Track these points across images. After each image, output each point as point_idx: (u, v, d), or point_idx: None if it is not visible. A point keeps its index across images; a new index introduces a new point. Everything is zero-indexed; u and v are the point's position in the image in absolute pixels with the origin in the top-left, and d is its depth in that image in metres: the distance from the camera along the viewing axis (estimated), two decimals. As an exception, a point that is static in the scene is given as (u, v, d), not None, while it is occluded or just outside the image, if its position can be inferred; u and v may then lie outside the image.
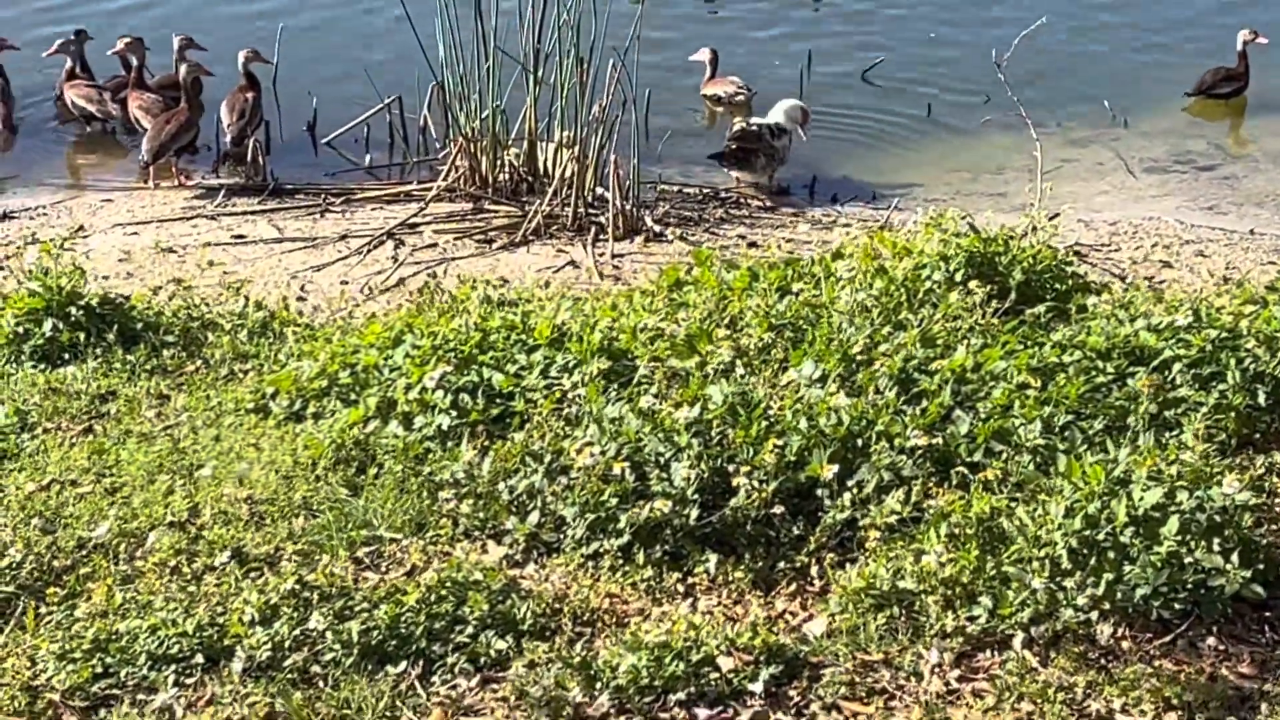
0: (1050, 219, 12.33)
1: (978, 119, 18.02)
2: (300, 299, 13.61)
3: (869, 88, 18.88)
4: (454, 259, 14.52)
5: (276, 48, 18.29)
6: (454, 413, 9.45)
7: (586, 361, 9.61)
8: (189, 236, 14.90)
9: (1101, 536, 7.94)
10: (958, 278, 10.59)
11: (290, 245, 14.77)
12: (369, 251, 14.61)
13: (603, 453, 8.58)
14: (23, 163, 16.90)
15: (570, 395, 9.33)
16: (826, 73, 18.99)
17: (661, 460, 8.66)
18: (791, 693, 7.74)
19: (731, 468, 8.65)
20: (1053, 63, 19.06)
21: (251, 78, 17.16)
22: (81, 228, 15.02)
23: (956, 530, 8.17)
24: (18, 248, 12.82)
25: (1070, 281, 11.10)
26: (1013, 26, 17.75)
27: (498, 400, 9.57)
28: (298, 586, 7.95)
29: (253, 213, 15.52)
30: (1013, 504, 8.27)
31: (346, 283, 14.01)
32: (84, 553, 8.47)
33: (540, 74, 15.47)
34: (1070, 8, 20.66)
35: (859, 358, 9.48)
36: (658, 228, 15.14)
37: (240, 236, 14.96)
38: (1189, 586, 7.93)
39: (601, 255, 14.57)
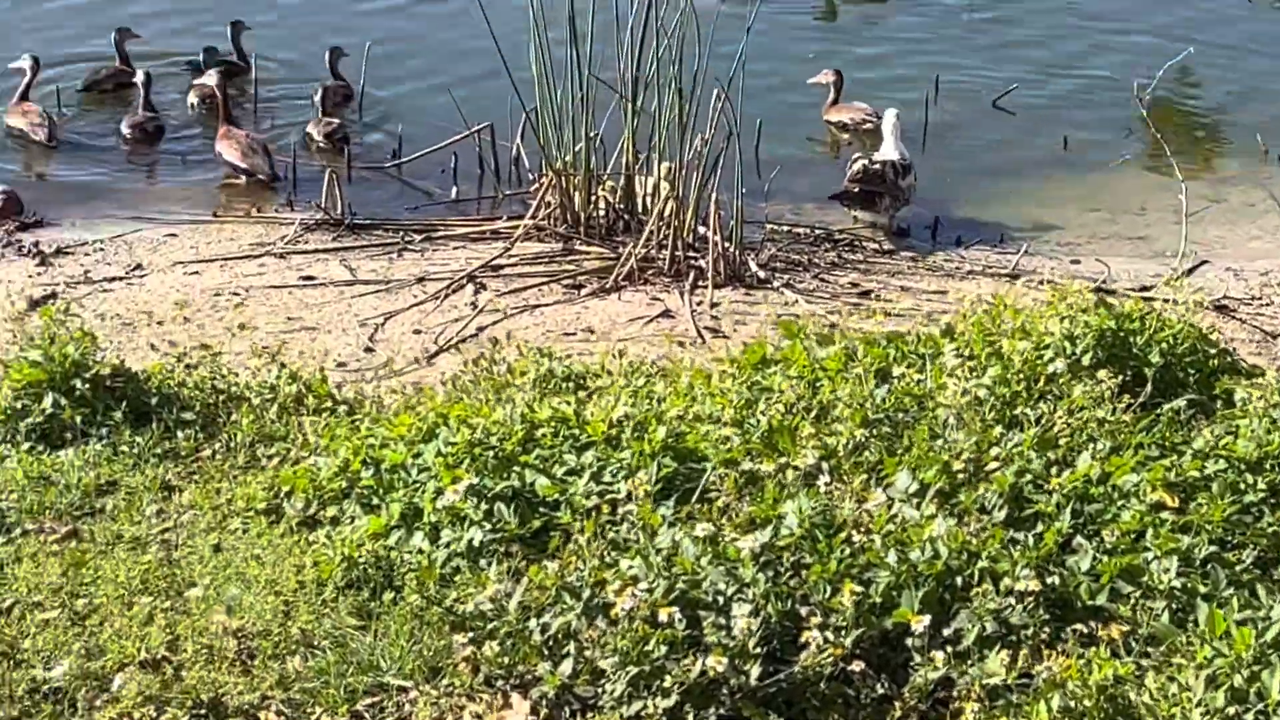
0: (1194, 269, 10.90)
1: (1118, 154, 16.55)
2: (368, 350, 12.40)
3: (1000, 118, 17.42)
4: (538, 306, 13.26)
5: (363, 68, 17.13)
6: (487, 526, 8.12)
7: (644, 466, 8.26)
8: (254, 277, 13.71)
9: (1251, 718, 6.51)
10: (1084, 362, 9.17)
11: (362, 288, 13.55)
12: (446, 296, 13.37)
13: (649, 591, 7.22)
14: (89, 189, 15.79)
15: (622, 511, 7.97)
16: (954, 97, 17.56)
17: (720, 600, 7.28)
18: None
19: (804, 610, 7.27)
20: (1200, 95, 17.59)
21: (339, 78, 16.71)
22: (139, 265, 13.89)
23: (1072, 703, 6.75)
24: (21, 310, 11.63)
25: (1215, 361, 9.65)
26: (1157, 56, 16.36)
27: (540, 510, 8.25)
28: (278, 752, 6.66)
29: (325, 251, 14.29)
30: (1141, 670, 6.85)
31: (420, 331, 12.80)
32: (34, 699, 7.20)
33: (639, 103, 14.14)
34: (1217, 37, 19.12)
35: (963, 470, 8.06)
36: (762, 273, 13.80)
37: (309, 278, 13.76)
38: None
39: (699, 304, 13.25)
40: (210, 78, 16.50)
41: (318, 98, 16.81)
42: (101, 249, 14.31)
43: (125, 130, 16.61)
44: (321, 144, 16.50)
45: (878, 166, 14.83)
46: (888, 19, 19.90)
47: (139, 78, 16.74)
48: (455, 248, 14.43)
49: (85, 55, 18.07)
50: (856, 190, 14.82)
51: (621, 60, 14.13)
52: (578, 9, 14.16)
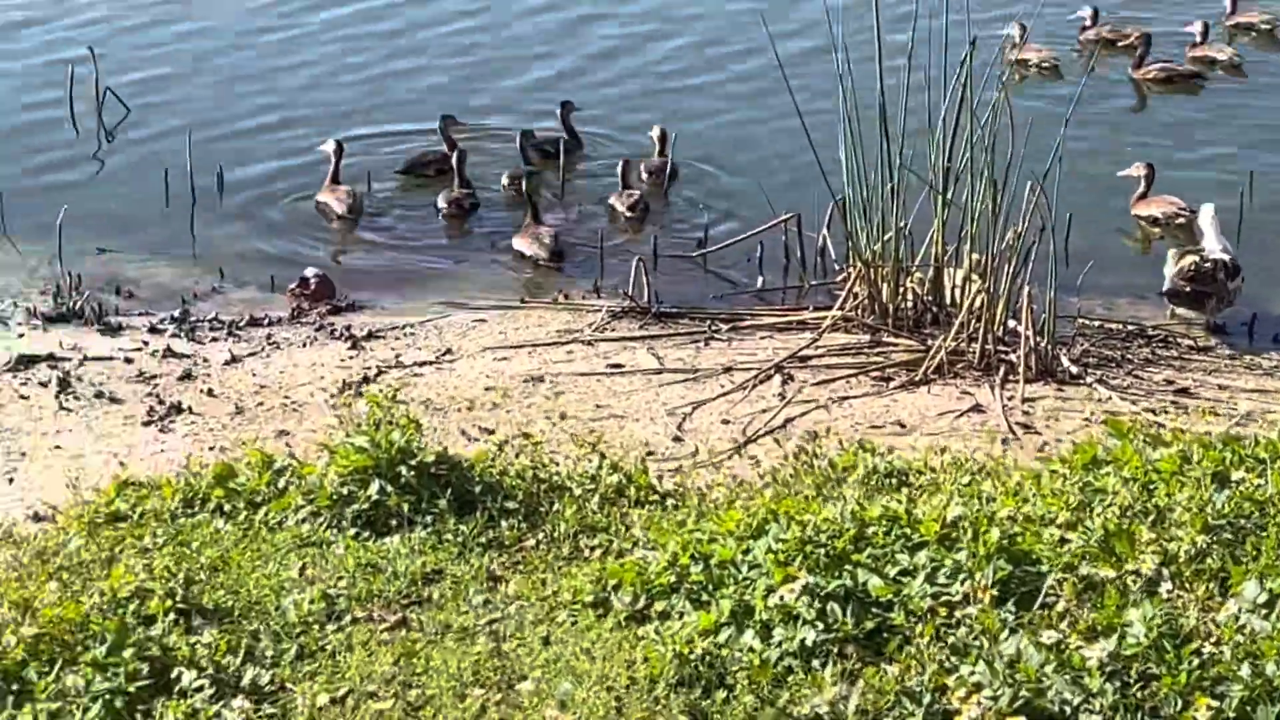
0: None
1: None
2: (676, 439, 12.34)
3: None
4: (847, 398, 13.10)
5: (669, 148, 17.22)
6: (820, 625, 7.99)
7: (980, 568, 8.08)
8: (562, 364, 13.74)
9: None
10: None
11: (670, 377, 13.50)
12: (754, 387, 13.28)
13: (994, 699, 7.04)
14: (399, 273, 15.98)
15: (959, 614, 7.79)
16: (1269, 191, 17.08)
17: (1067, 710, 7.08)
18: None
19: (1154, 724, 7.06)
20: None
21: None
22: (449, 350, 13.99)
23: None
24: (347, 398, 11.73)
25: None
26: None
27: (873, 611, 8.09)
28: None
29: (632, 339, 14.29)
30: None
31: (728, 421, 12.69)
32: (373, 789, 7.22)
33: (949, 195, 13.97)
34: None
35: (1315, 580, 7.79)
36: (1074, 369, 13.51)
37: (617, 366, 13.75)
38: None
39: (1010, 399, 13.00)
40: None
41: (620, 171, 17.00)
42: (412, 333, 14.46)
43: (441, 204, 16.93)
44: (627, 215, 16.67)
45: (1209, 265, 14.43)
46: (1200, 112, 19.47)
47: (454, 155, 17.07)
48: (762, 337, 14.36)
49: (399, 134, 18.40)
50: (1187, 289, 14.45)
51: (933, 151, 13.98)
52: (889, 98, 14.06)
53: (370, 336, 14.35)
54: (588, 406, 12.84)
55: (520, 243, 16.07)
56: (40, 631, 8.30)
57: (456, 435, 12.20)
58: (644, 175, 17.39)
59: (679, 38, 21.05)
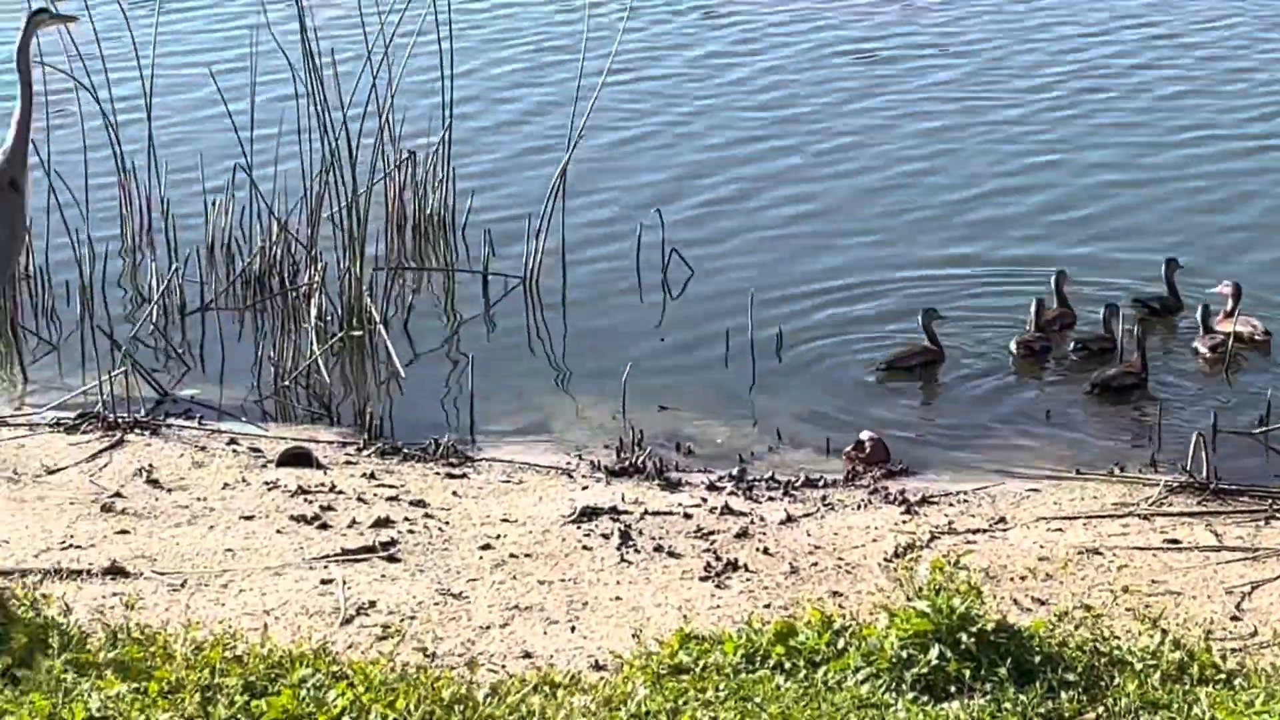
0: None
1: None
2: (1234, 618, 12.03)
3: None
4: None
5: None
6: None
7: None
8: (1117, 537, 13.56)
9: None
10: None
11: (1228, 555, 13.19)
12: (1317, 566, 12.89)
13: None
14: (958, 442, 16.02)
15: None
16: None
17: None
18: None
19: None
20: None
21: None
22: (1002, 519, 13.94)
23: None
24: (909, 559, 11.80)
25: None
26: None
27: None
28: None
29: (1189, 515, 14.01)
30: None
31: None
32: None
33: None
34: None
35: None
36: None
37: (1173, 541, 13.48)
38: None
39: None
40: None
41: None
42: (965, 500, 14.45)
43: (1013, 348, 17.10)
44: (1207, 356, 16.68)
45: None
46: None
47: (1031, 304, 17.34)
48: (1333, 515, 13.96)
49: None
50: None
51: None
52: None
53: (924, 501, 14.39)
54: (1143, 581, 12.61)
55: None
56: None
57: (1009, 604, 12.11)
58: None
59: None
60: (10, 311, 17.20)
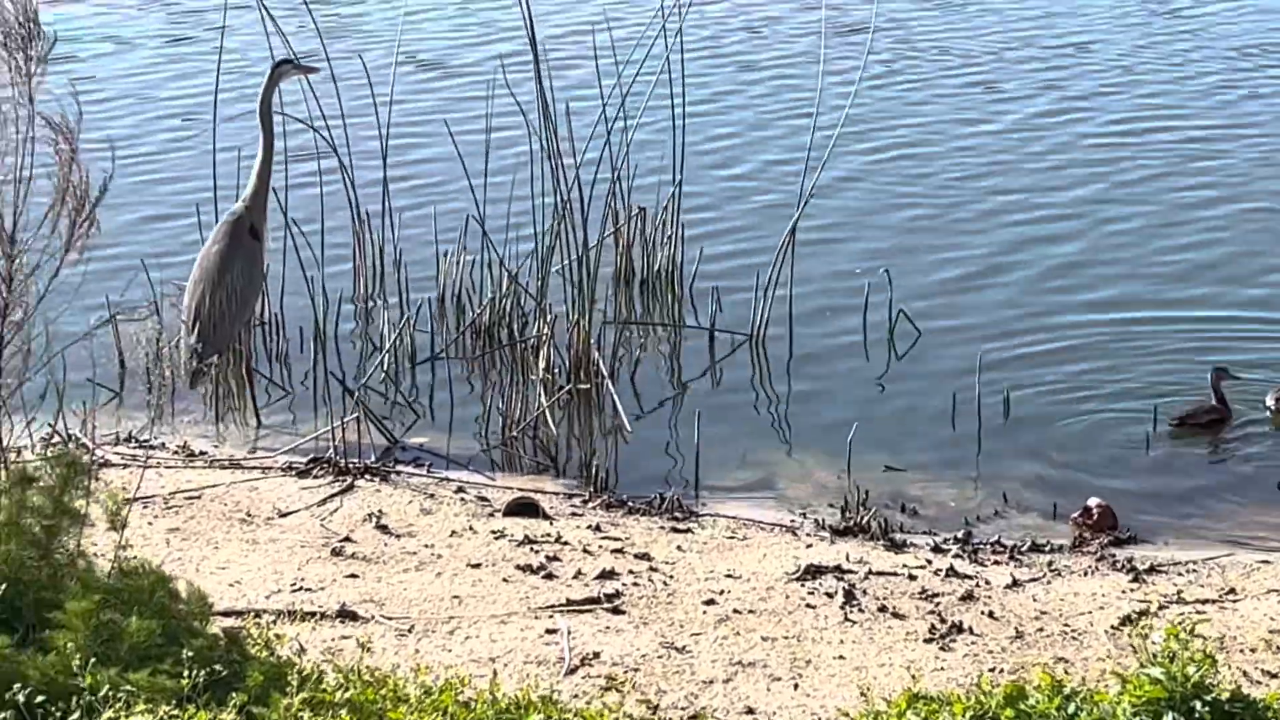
0: None
1: None
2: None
3: None
4: None
5: None
6: None
7: None
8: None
9: None
10: None
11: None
12: None
13: None
14: (1181, 510, 15.80)
15: None
16: None
17: None
18: None
19: None
20: None
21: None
22: (1232, 590, 13.73)
23: None
24: (1140, 627, 11.66)
25: None
26: None
27: None
28: None
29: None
30: None
31: None
32: None
33: None
34: None
35: None
36: None
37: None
38: None
39: None
40: None
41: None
42: (1195, 570, 14.24)
43: (1270, 403, 16.89)
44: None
45: None
46: None
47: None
48: None
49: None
50: None
51: None
52: None
53: (1151, 570, 14.21)
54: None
55: None
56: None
57: (1239, 676, 11.93)
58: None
59: None
60: (246, 356, 17.48)
